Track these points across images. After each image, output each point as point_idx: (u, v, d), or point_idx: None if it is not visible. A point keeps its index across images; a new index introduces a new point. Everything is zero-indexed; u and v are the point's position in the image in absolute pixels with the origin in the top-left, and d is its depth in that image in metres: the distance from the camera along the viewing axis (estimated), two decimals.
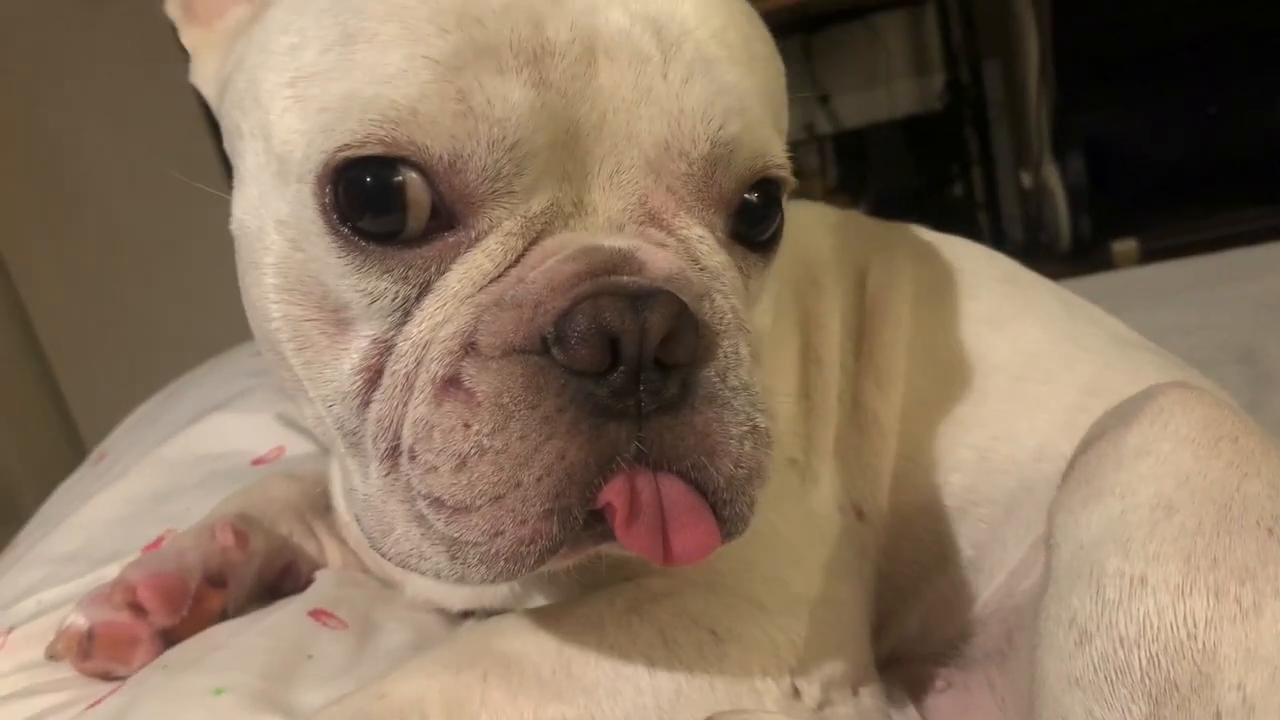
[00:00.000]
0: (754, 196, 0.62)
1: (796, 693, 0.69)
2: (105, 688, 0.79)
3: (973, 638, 0.76)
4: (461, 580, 0.55)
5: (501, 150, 0.54)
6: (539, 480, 0.52)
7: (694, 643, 0.68)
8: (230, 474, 1.06)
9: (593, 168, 0.57)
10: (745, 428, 0.56)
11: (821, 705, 0.70)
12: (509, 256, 0.56)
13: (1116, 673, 0.54)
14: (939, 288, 0.85)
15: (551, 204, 0.57)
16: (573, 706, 0.64)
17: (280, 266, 0.60)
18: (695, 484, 0.56)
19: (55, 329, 3.15)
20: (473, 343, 0.54)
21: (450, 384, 0.54)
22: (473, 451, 0.52)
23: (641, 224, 0.58)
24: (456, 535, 0.53)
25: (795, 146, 0.67)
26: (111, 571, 0.93)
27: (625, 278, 0.54)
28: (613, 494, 0.53)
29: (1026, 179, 3.50)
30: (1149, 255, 2.92)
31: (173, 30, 0.73)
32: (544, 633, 0.67)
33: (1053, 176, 3.35)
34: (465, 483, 0.52)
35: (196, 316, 2.75)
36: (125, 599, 0.81)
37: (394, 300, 0.56)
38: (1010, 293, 0.86)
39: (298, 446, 1.09)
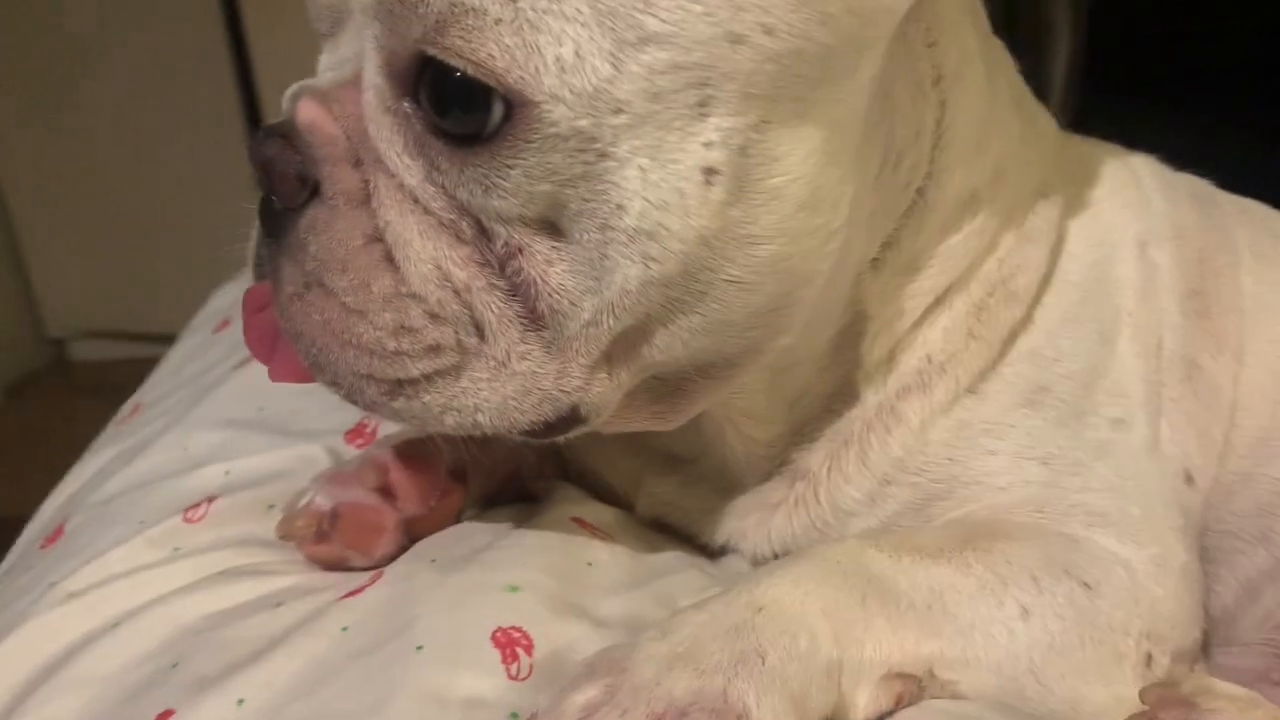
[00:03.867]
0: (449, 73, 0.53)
1: (1149, 660, 0.65)
2: (348, 577, 0.71)
3: None
4: None
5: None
6: None
7: (1066, 593, 0.63)
8: None
9: None
10: (293, 288, 0.59)
11: (1166, 677, 0.65)
12: None
13: None
14: (1270, 248, 0.80)
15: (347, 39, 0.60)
16: (952, 646, 0.60)
17: None
18: None
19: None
20: None
21: None
22: None
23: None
24: None
25: None
26: (313, 450, 0.85)
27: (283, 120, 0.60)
28: (254, 287, 0.65)
29: None
30: None
31: None
32: (906, 559, 0.62)
33: None
34: None
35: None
36: (379, 481, 0.73)
37: None
38: None
39: None
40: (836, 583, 0.60)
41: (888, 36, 0.58)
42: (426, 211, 0.57)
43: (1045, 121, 0.79)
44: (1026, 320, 0.71)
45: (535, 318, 0.57)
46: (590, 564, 0.71)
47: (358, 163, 0.58)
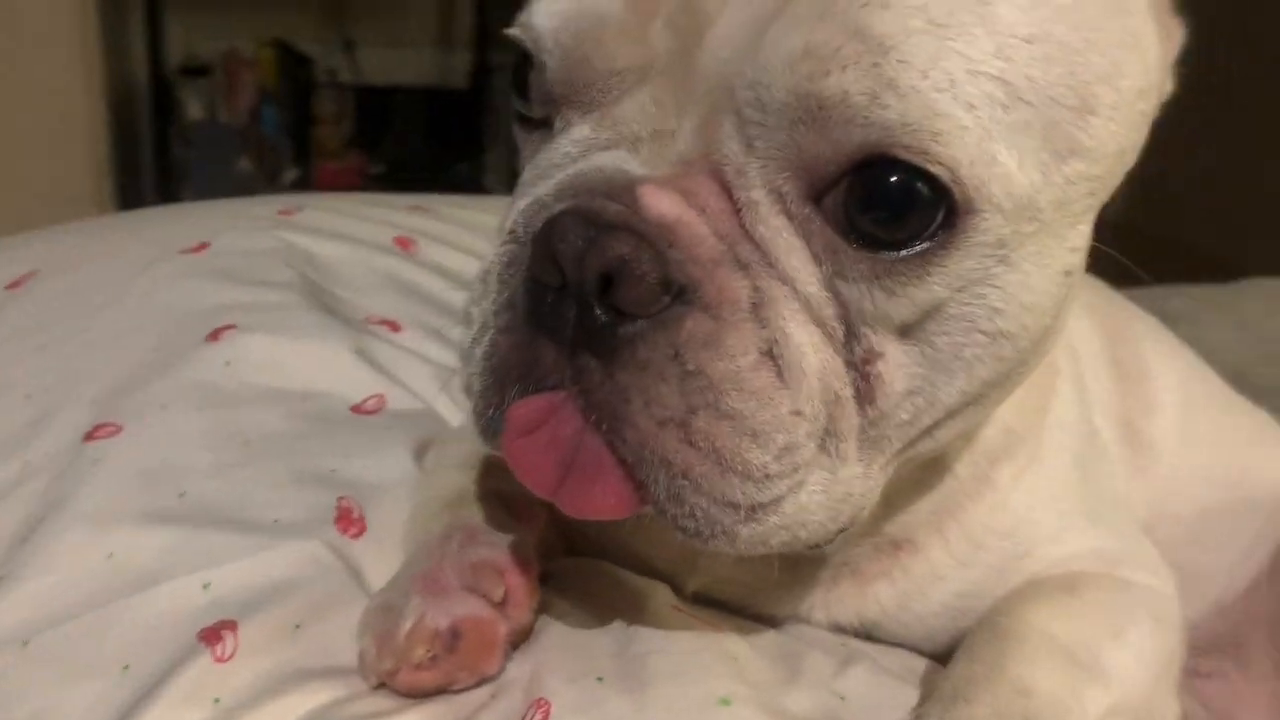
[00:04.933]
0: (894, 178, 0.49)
1: None
2: (476, 708, 0.60)
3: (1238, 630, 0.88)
4: None
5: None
6: (484, 355, 0.55)
7: (1152, 632, 0.73)
8: (333, 420, 0.81)
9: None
10: (670, 413, 0.50)
11: None
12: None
13: None
14: (1153, 324, 0.96)
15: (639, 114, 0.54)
16: (1114, 695, 0.67)
17: None
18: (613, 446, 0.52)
19: None
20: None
21: None
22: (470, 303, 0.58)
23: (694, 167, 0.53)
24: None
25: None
26: (311, 548, 0.69)
27: (608, 204, 0.52)
28: (519, 404, 0.53)
29: None
30: None
31: None
32: (1057, 621, 0.68)
33: None
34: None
35: None
36: (504, 590, 0.62)
37: None
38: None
39: (399, 399, 0.86)
40: (1051, 654, 0.65)
41: None
42: (817, 321, 0.52)
43: None
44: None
45: (860, 419, 0.54)
46: (735, 658, 0.66)
47: (742, 266, 0.51)
